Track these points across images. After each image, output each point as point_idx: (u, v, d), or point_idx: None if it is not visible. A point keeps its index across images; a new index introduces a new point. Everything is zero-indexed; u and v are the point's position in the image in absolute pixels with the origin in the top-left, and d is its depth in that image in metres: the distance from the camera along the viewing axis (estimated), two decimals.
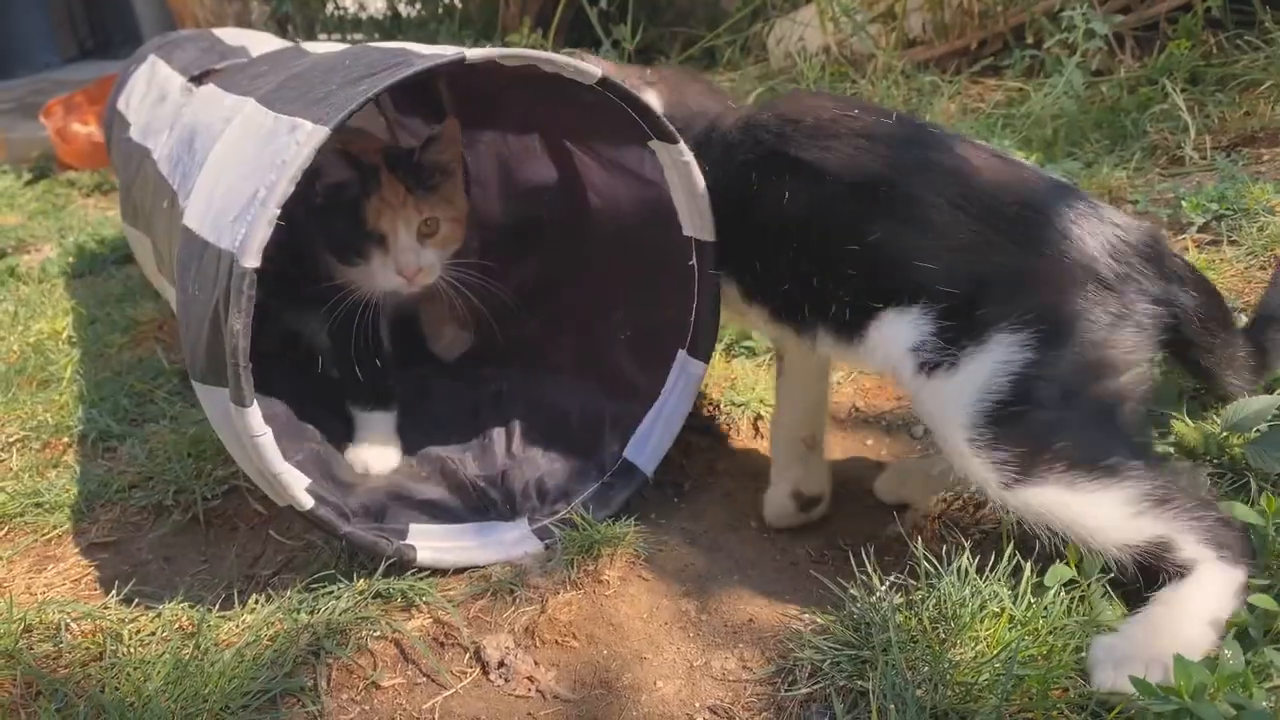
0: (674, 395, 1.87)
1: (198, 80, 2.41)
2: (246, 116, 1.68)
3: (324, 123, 1.42)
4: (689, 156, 1.66)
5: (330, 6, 6.41)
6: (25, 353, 2.74)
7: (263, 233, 1.40)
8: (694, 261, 1.77)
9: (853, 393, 2.14)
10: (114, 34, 10.58)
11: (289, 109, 1.55)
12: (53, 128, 5.07)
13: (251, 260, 1.40)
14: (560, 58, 1.54)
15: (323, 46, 2.16)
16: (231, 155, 1.63)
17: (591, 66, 1.55)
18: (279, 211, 1.41)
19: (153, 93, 2.60)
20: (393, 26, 6.24)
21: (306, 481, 1.59)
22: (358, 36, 6.43)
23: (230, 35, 3.02)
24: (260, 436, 1.50)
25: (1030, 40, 3.95)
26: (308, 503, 1.57)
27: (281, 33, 6.05)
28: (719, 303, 1.80)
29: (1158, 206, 2.65)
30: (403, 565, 1.66)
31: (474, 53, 1.48)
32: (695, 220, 1.73)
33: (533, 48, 4.97)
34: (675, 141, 1.64)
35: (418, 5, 6.21)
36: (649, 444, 1.88)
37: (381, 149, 1.93)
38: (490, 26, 5.82)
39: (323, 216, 1.83)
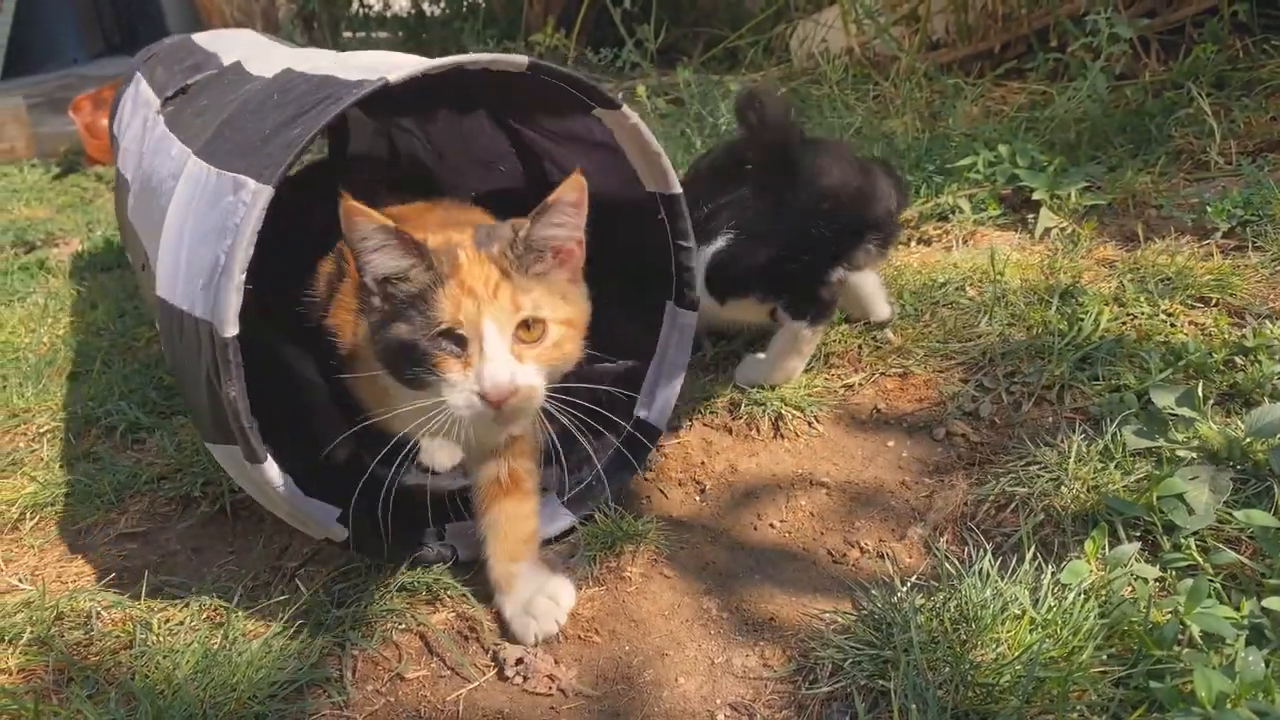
0: (671, 346, 1.92)
1: (168, 102, 2.43)
2: (189, 175, 1.66)
3: (265, 180, 1.40)
4: (635, 119, 1.70)
5: (355, 4, 6.45)
6: (55, 345, 2.78)
7: (234, 300, 1.39)
8: (662, 215, 1.82)
9: (874, 394, 2.15)
10: (140, 29, 10.66)
11: (228, 163, 1.54)
12: (81, 123, 5.12)
13: (231, 329, 1.39)
14: (484, 55, 1.53)
15: (266, 63, 2.13)
16: (185, 218, 1.60)
17: (518, 56, 1.55)
18: (244, 277, 1.39)
19: (136, 118, 2.61)
20: (417, 25, 6.27)
21: (337, 512, 1.61)
22: (382, 34, 6.47)
23: (207, 40, 2.98)
24: (280, 487, 1.51)
25: (1054, 43, 3.93)
26: (342, 536, 1.61)
27: (307, 30, 6.09)
28: (694, 252, 1.87)
29: (1182, 211, 2.65)
30: (444, 563, 1.70)
31: (396, 75, 1.45)
32: (655, 176, 1.79)
33: (555, 47, 5.00)
34: (618, 107, 1.68)
35: (442, 3, 6.24)
36: (657, 398, 1.92)
37: (475, 226, 1.51)
38: (514, 25, 5.85)
39: (378, 323, 1.45)
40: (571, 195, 1.43)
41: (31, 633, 1.56)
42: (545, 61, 1.57)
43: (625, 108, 1.67)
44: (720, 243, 2.08)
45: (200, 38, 3.06)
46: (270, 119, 1.56)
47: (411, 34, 6.23)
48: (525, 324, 1.39)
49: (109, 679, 1.47)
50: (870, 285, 2.31)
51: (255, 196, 1.39)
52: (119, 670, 1.50)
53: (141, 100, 2.67)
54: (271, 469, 1.49)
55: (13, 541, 1.89)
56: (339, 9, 6.25)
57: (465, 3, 6.17)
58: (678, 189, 1.78)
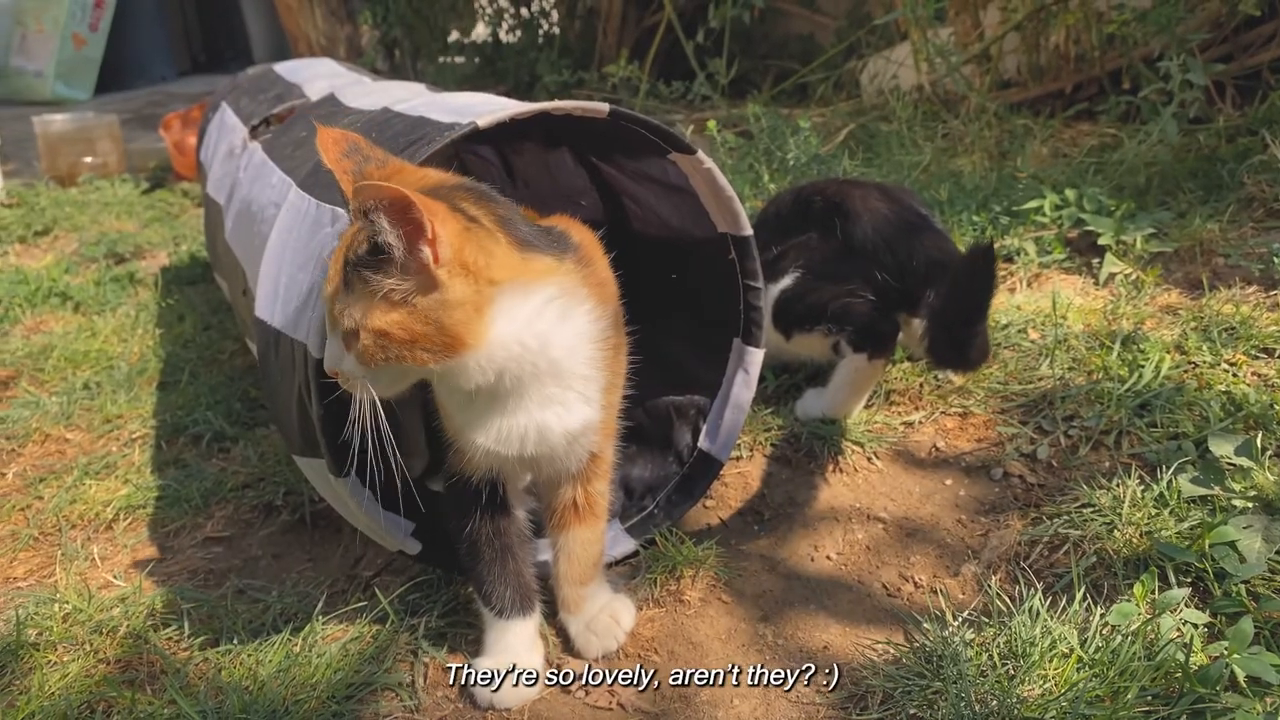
0: (737, 383, 1.98)
1: (255, 131, 2.56)
2: (291, 204, 1.77)
3: None
4: (710, 163, 1.78)
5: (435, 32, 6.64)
6: (145, 355, 2.92)
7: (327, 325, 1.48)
8: (733, 255, 1.89)
9: (933, 433, 2.19)
10: (225, 49, 11.06)
11: (328, 195, 1.64)
12: (170, 140, 5.33)
13: (322, 351, 1.47)
14: (567, 103, 1.62)
15: (362, 98, 2.24)
16: (286, 245, 1.71)
17: (600, 104, 1.64)
18: None
19: (223, 144, 2.75)
20: (494, 53, 6.42)
21: (411, 526, 1.71)
22: (459, 59, 6.64)
23: (290, 70, 3.15)
24: (360, 500, 1.61)
25: (1126, 86, 3.94)
26: (415, 549, 1.70)
27: (389, 57, 6.27)
28: (762, 291, 1.93)
29: (1249, 261, 2.66)
30: None
31: (485, 120, 1.56)
32: (727, 217, 1.86)
33: (628, 78, 5.10)
34: (693, 152, 1.75)
35: (519, 32, 6.39)
36: (720, 433, 1.98)
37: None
38: (588, 56, 5.98)
39: None
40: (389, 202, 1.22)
41: (128, 626, 1.67)
42: (624, 108, 1.65)
43: (700, 153, 1.75)
44: (788, 280, 2.18)
45: (281, 68, 3.22)
46: None
47: (488, 62, 6.38)
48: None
49: (198, 673, 1.57)
50: None
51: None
52: (206, 665, 1.59)
53: (227, 128, 2.82)
54: (353, 484, 1.59)
55: (108, 540, 2.00)
56: (419, 37, 6.44)
57: (541, 32, 6.31)
58: (748, 231, 1.85)
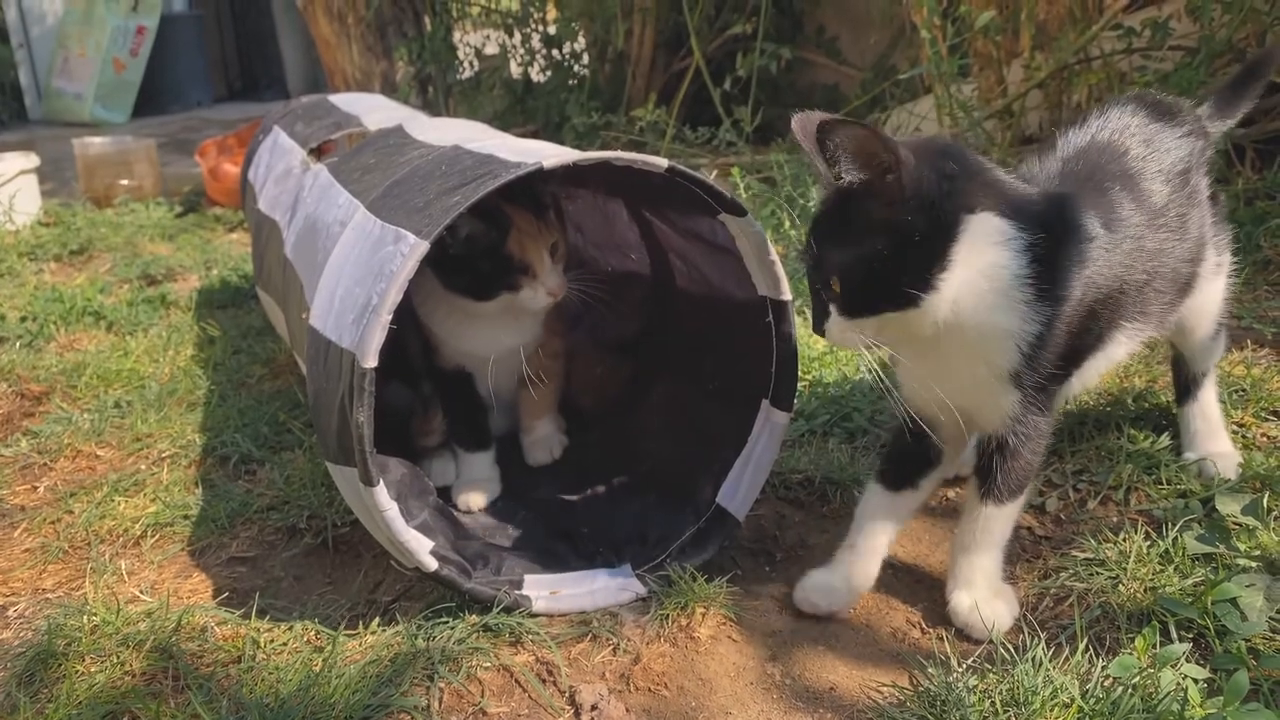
0: (760, 443, 2.01)
1: (315, 153, 2.67)
2: (357, 225, 1.87)
3: (424, 236, 1.60)
4: (758, 226, 1.84)
5: (467, 70, 6.76)
6: (176, 375, 2.99)
7: (378, 337, 1.57)
8: (770, 318, 1.93)
9: (946, 482, 2.22)
10: (261, 77, 11.28)
11: (393, 218, 1.74)
12: (206, 166, 5.46)
13: (370, 361, 1.57)
14: (629, 155, 1.71)
15: (429, 131, 2.34)
16: (347, 260, 1.80)
17: (659, 159, 1.72)
18: (390, 317, 1.59)
19: (278, 165, 2.86)
20: (525, 92, 6.54)
21: (430, 545, 1.77)
22: (495, 93, 6.76)
23: (345, 101, 3.31)
24: (387, 511, 1.68)
25: None
26: (431, 565, 1.75)
27: (423, 92, 6.40)
28: (796, 356, 1.96)
29: (1263, 324, 2.69)
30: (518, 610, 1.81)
31: (551, 161, 1.65)
32: (768, 281, 1.91)
33: (655, 122, 5.17)
34: (744, 214, 1.82)
35: (549, 73, 6.50)
36: (739, 490, 2.01)
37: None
38: (616, 99, 6.07)
39: (456, 266, 2.00)
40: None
41: (154, 640, 1.72)
42: (682, 166, 1.73)
43: (749, 215, 1.82)
44: None
45: (337, 99, 3.36)
46: (435, 185, 1.76)
47: (518, 101, 6.50)
48: (553, 246, 2.02)
49: (220, 689, 1.62)
50: None
51: (413, 249, 1.58)
52: (229, 681, 1.64)
53: (281, 149, 2.93)
54: (381, 494, 1.66)
55: (135, 556, 2.06)
56: (452, 73, 6.56)
57: (572, 74, 6.42)
58: (788, 295, 1.90)
